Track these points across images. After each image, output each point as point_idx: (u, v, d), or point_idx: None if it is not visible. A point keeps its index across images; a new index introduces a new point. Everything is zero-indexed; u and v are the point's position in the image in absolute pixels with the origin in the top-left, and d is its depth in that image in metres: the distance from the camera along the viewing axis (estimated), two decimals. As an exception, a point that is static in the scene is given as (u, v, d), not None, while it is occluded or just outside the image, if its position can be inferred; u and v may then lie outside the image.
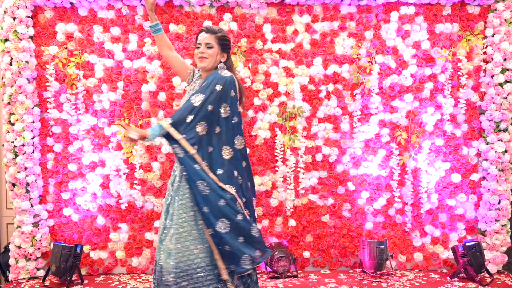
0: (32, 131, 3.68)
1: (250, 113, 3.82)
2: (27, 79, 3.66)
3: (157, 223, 3.82)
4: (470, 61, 3.87)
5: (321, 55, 3.83)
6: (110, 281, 3.64)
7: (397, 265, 3.91)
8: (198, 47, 2.64)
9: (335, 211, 3.88)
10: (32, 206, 3.70)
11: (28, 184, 3.69)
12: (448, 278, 3.66)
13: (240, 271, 2.53)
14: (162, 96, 3.80)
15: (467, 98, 3.86)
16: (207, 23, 3.77)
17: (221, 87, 2.54)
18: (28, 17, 3.67)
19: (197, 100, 2.50)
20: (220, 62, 2.66)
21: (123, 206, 3.78)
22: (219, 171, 2.54)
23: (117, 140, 3.79)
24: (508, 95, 3.74)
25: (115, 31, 3.78)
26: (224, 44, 2.66)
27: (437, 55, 3.83)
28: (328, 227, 3.89)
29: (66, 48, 3.77)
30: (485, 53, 3.81)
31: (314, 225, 3.89)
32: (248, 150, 3.81)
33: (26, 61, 3.63)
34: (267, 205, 3.86)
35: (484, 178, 3.86)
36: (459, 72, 3.84)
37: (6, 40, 3.64)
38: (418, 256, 3.89)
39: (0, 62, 3.67)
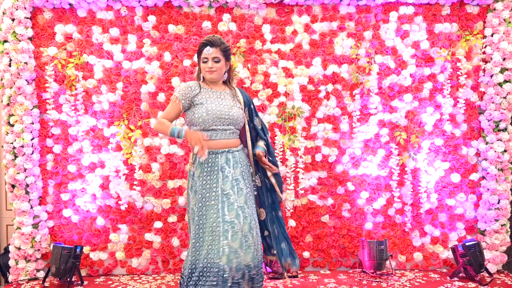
0: (31, 132, 3.68)
1: (250, 113, 3.82)
2: (26, 80, 3.66)
3: (157, 224, 3.83)
4: (469, 61, 3.87)
5: (320, 56, 3.83)
6: (110, 282, 3.64)
7: (397, 265, 3.91)
8: (205, 62, 2.70)
9: (335, 211, 3.88)
10: (31, 207, 3.70)
11: (27, 185, 3.68)
12: (448, 277, 3.66)
13: None
14: (161, 97, 3.80)
15: (467, 98, 3.86)
16: (206, 23, 3.77)
17: None
18: (27, 18, 3.67)
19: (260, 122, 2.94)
20: (225, 72, 2.79)
21: (122, 207, 3.78)
22: None
23: (117, 141, 3.79)
24: (507, 94, 3.74)
25: (114, 32, 3.77)
26: (228, 54, 2.76)
27: (436, 55, 3.83)
28: (327, 227, 3.90)
29: (65, 49, 3.77)
30: (484, 52, 3.81)
31: (314, 225, 3.89)
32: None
33: (25, 62, 3.63)
34: (267, 206, 3.86)
35: (483, 177, 3.86)
36: (458, 72, 3.84)
37: (5, 41, 3.63)
38: (417, 256, 3.89)
39: (-1, 64, 3.68)
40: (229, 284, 2.47)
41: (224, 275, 2.47)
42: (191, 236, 2.67)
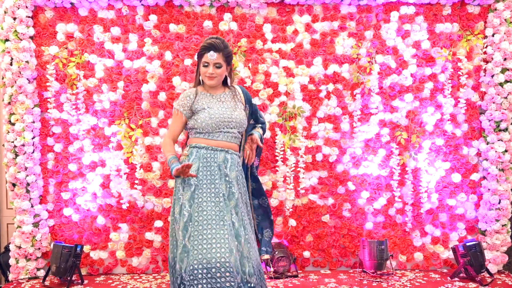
0: (32, 131, 3.68)
1: (250, 113, 3.82)
2: (27, 79, 3.66)
3: (157, 223, 3.83)
4: (470, 61, 3.87)
5: (321, 55, 3.83)
6: (110, 281, 3.64)
7: (397, 265, 3.91)
8: (206, 66, 2.63)
9: (335, 211, 3.88)
10: (32, 206, 3.70)
11: (28, 184, 3.69)
12: (449, 278, 3.66)
13: None
14: (162, 96, 3.80)
15: (467, 98, 3.86)
16: (207, 23, 3.77)
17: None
18: (29, 17, 3.68)
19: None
20: (225, 76, 2.73)
21: (123, 206, 3.78)
22: None
23: (117, 140, 3.79)
24: (508, 94, 3.74)
25: (115, 31, 3.78)
26: (230, 59, 2.70)
27: (437, 55, 3.83)
28: (328, 227, 3.89)
29: (66, 48, 3.77)
30: (485, 52, 3.81)
31: (314, 225, 3.89)
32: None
33: (26, 61, 3.63)
34: (267, 205, 3.85)
35: (484, 178, 3.86)
36: (459, 72, 3.84)
37: (7, 40, 3.64)
38: (418, 256, 3.88)
39: (1, 62, 3.67)
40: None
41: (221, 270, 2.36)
42: (179, 234, 2.49)
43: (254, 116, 2.88)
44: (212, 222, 2.44)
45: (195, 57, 3.74)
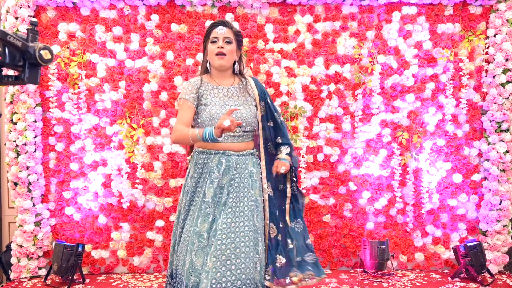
0: (34, 130, 3.69)
1: (252, 113, 3.82)
2: (29, 78, 3.66)
3: (158, 223, 3.83)
4: (472, 62, 3.87)
5: (322, 55, 3.83)
6: (112, 280, 3.65)
7: (398, 265, 3.91)
8: (214, 42, 2.35)
9: (336, 211, 3.88)
10: (34, 205, 3.71)
11: (30, 183, 3.69)
12: (449, 278, 3.66)
13: None
14: (164, 96, 3.80)
15: (469, 99, 3.86)
16: (209, 23, 3.76)
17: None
18: (31, 16, 3.68)
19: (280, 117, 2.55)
20: (235, 61, 2.47)
21: (124, 206, 3.79)
22: None
23: (119, 139, 3.80)
24: (509, 95, 3.73)
25: (117, 30, 3.78)
26: (240, 40, 2.46)
27: (438, 55, 3.83)
28: (329, 227, 3.90)
29: (68, 47, 3.78)
30: (486, 53, 3.80)
31: (315, 225, 3.89)
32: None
33: (28, 61, 3.63)
34: (269, 205, 3.86)
35: (485, 178, 3.86)
36: (460, 73, 3.84)
37: (9, 39, 3.64)
38: (419, 256, 3.89)
39: (3, 62, 3.68)
40: None
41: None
42: (172, 237, 2.48)
43: (275, 126, 2.44)
44: (184, 233, 2.38)
45: (197, 56, 3.75)
